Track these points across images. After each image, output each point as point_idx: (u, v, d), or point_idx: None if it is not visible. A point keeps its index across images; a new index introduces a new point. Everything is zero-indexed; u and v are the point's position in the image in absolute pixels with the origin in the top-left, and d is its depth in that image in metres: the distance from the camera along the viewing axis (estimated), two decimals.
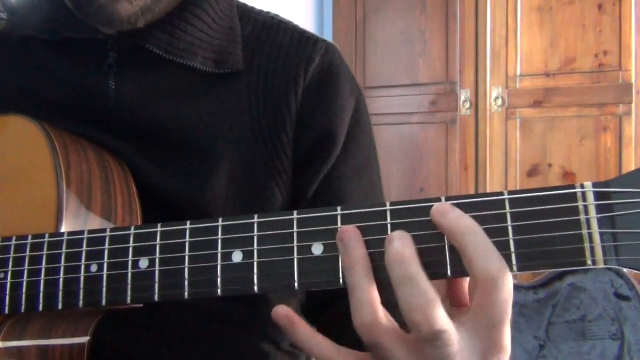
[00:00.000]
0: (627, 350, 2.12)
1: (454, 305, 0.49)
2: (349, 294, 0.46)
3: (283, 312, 0.48)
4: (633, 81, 2.34)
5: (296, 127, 0.74)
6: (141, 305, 0.57)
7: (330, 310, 0.74)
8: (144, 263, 0.53)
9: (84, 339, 0.58)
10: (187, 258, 0.52)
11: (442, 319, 0.43)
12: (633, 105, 2.34)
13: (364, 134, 0.78)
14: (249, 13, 0.79)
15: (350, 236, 0.46)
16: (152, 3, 0.66)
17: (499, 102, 2.50)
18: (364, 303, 0.45)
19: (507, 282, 0.43)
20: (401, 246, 0.44)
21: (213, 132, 0.72)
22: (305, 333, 0.48)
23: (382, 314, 0.45)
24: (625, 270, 2.16)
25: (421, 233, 0.46)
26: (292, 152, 0.74)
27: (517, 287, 2.28)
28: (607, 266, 0.41)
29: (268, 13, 0.81)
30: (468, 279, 0.47)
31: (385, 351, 0.45)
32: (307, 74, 0.74)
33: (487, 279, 0.43)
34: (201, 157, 0.71)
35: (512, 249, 0.44)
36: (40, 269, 0.57)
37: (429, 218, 0.46)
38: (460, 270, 0.45)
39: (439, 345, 0.43)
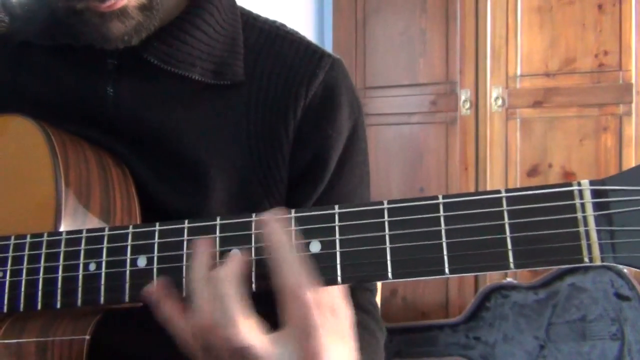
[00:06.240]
0: (627, 350, 2.12)
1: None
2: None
3: (154, 289, 0.52)
4: (633, 81, 2.34)
5: (293, 146, 0.73)
6: (140, 304, 0.57)
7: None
8: (142, 261, 0.53)
9: (83, 338, 0.58)
10: (184, 256, 0.52)
11: (245, 335, 0.48)
12: (633, 105, 2.34)
13: (358, 157, 0.78)
14: (253, 21, 0.78)
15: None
16: (146, 21, 0.65)
17: (499, 102, 2.50)
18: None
19: (305, 295, 0.47)
20: (225, 267, 0.50)
21: (210, 147, 0.71)
22: (169, 312, 0.52)
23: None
24: (625, 270, 2.16)
25: (417, 230, 0.46)
26: (286, 172, 0.73)
27: (517, 287, 2.28)
28: (604, 263, 0.41)
29: (274, 22, 0.79)
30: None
31: (217, 351, 0.50)
32: (308, 91, 0.73)
33: (284, 293, 0.48)
34: (197, 172, 0.71)
35: (509, 246, 0.44)
36: (39, 268, 0.57)
37: (424, 216, 0.46)
38: (459, 267, 0.45)
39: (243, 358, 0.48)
